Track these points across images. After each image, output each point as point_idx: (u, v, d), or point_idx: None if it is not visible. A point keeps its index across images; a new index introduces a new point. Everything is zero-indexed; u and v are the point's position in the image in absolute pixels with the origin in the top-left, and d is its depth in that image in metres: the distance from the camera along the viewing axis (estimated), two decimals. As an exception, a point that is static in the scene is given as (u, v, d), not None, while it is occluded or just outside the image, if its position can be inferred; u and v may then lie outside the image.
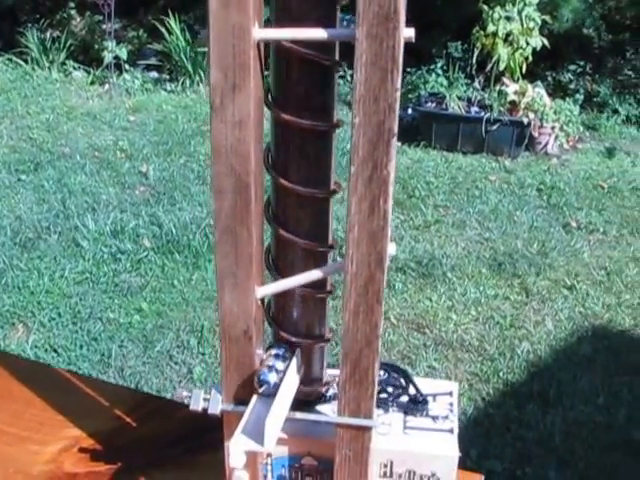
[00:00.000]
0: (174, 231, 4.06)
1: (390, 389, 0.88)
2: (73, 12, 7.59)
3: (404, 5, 0.62)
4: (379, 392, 0.85)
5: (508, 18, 5.09)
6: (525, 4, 5.10)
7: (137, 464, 0.98)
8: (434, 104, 5.55)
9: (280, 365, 0.79)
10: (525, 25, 5.12)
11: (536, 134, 5.32)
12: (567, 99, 5.82)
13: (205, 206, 4.38)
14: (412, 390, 0.89)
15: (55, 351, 3.15)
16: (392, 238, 0.70)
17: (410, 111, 5.76)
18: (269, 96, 0.71)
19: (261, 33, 0.65)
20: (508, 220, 4.37)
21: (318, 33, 0.65)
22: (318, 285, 0.79)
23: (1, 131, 5.63)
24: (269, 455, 0.84)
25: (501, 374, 3.05)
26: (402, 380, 0.90)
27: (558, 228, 4.31)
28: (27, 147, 5.34)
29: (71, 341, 3.21)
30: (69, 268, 3.73)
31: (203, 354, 3.13)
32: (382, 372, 0.89)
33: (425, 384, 0.90)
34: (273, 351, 0.80)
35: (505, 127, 5.22)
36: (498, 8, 5.09)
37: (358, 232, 0.68)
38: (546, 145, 5.40)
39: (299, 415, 0.81)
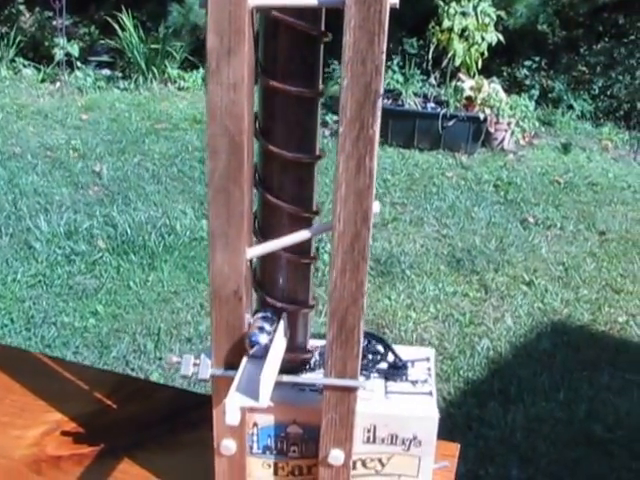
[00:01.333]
0: (129, 231, 4.00)
1: (370, 356, 0.90)
2: (22, 8, 7.46)
3: None
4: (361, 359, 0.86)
5: (464, 14, 5.10)
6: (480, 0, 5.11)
7: (120, 445, 0.98)
8: (390, 101, 5.54)
9: (268, 327, 0.79)
10: (480, 21, 5.14)
11: (492, 130, 5.33)
12: (522, 95, 5.84)
13: (160, 206, 4.32)
14: (391, 357, 0.90)
15: (18, 348, 3.07)
16: (377, 197, 0.72)
17: (366, 108, 5.73)
18: (258, 65, 0.73)
19: (255, 0, 0.68)
20: (466, 216, 4.37)
21: (309, 0, 0.68)
22: (303, 250, 0.81)
23: (-51, 130, 5.52)
24: (255, 425, 0.85)
25: (461, 372, 3.03)
26: (381, 347, 0.91)
27: (516, 224, 4.32)
28: (-24, 147, 5.24)
29: (25, 348, 3.12)
30: (21, 271, 3.64)
31: (160, 358, 3.07)
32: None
33: (403, 351, 0.92)
34: (260, 314, 0.81)
35: (461, 123, 5.23)
36: (454, 3, 5.10)
37: (345, 190, 0.71)
38: (502, 141, 5.42)
39: (286, 378, 0.82)
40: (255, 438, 0.86)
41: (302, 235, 0.77)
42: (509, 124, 5.38)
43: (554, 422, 2.77)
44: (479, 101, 5.23)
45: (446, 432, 2.53)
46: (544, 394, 2.92)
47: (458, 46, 5.13)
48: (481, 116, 5.21)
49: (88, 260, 3.75)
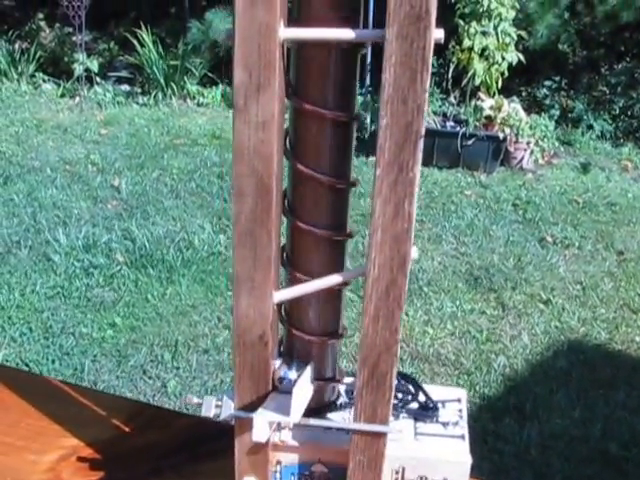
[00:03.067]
0: (147, 245, 4.01)
1: (400, 396, 0.88)
2: (42, 24, 7.52)
3: (435, 4, 0.60)
4: None
5: (484, 33, 5.10)
6: (501, 19, 5.11)
7: (138, 473, 0.97)
8: (409, 119, 5.53)
9: (294, 373, 0.79)
10: (501, 40, 5.13)
11: (512, 149, 5.32)
12: (542, 114, 5.84)
13: (179, 220, 4.33)
14: (422, 397, 0.89)
15: (27, 366, 3.09)
16: (414, 242, 0.69)
17: (385, 126, 5.73)
18: (289, 88, 0.69)
19: (287, 32, 0.63)
20: (484, 235, 4.36)
21: (346, 33, 0.63)
22: (330, 329, 0.79)
23: (-30, 144, 5.56)
24: (278, 463, 0.83)
25: (477, 388, 3.02)
26: (411, 387, 0.89)
27: (534, 243, 4.30)
28: (-4, 160, 5.28)
29: (43, 356, 3.15)
30: (40, 283, 3.67)
31: (177, 368, 3.08)
32: None
33: (433, 391, 0.90)
34: (285, 362, 0.80)
35: (481, 142, 5.22)
36: (474, 23, 5.09)
37: (381, 235, 0.67)
38: (521, 160, 5.40)
39: (313, 421, 0.81)
40: (279, 476, 0.84)
41: (334, 279, 0.74)
42: (528, 143, 5.36)
43: (569, 439, 2.76)
44: (499, 120, 5.22)
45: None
46: (560, 411, 2.90)
47: (478, 65, 5.13)
48: (500, 135, 5.20)
49: (106, 273, 3.77)
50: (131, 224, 4.28)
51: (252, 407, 0.78)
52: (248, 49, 0.63)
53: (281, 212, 0.73)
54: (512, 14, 5.16)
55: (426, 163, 5.34)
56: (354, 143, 0.74)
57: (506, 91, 5.72)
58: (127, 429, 1.04)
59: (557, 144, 5.78)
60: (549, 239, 4.36)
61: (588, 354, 3.31)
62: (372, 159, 5.40)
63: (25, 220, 4.34)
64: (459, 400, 0.90)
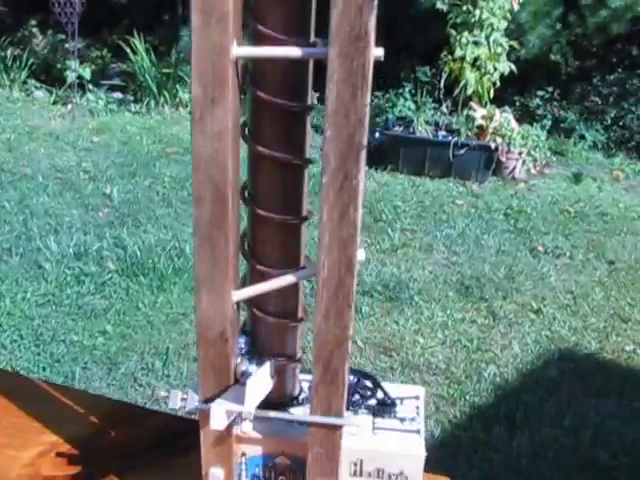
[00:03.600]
0: (139, 254, 4.00)
1: (360, 393, 0.93)
2: (35, 30, 7.51)
3: (374, 26, 0.66)
4: (349, 395, 0.90)
5: (476, 43, 5.11)
6: (493, 30, 5.12)
7: (112, 468, 1.00)
8: (402, 128, 5.55)
9: (255, 368, 0.84)
10: (493, 50, 5.15)
11: (503, 159, 5.33)
12: (534, 124, 5.85)
13: (170, 229, 4.33)
14: (380, 394, 0.93)
15: (17, 373, 3.08)
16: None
17: (378, 135, 5.75)
18: (246, 129, 0.75)
19: (239, 51, 0.69)
20: (475, 244, 4.36)
21: (292, 51, 0.69)
22: (290, 313, 0.83)
23: (-39, 151, 5.55)
24: (243, 454, 0.88)
25: (468, 397, 3.02)
26: (371, 384, 0.94)
27: (525, 252, 4.31)
28: (-13, 167, 5.27)
29: (33, 363, 3.15)
30: (31, 290, 3.66)
31: (168, 376, 3.08)
32: (352, 377, 0.94)
33: (393, 388, 0.95)
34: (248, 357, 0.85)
35: (472, 151, 5.23)
36: (466, 33, 5.11)
37: (329, 239, 0.72)
38: (513, 170, 5.42)
39: (273, 414, 0.86)
40: (244, 467, 0.89)
41: (287, 279, 0.79)
42: (520, 153, 5.38)
43: (559, 448, 2.76)
44: (490, 130, 5.23)
45: (451, 455, 2.53)
46: (550, 420, 2.91)
47: (470, 75, 5.14)
48: (492, 145, 5.22)
49: (97, 281, 3.76)
50: (122, 232, 4.28)
51: (214, 399, 0.82)
52: (203, 66, 0.68)
53: (239, 216, 0.77)
54: (504, 24, 5.17)
55: (418, 172, 5.35)
56: (309, 130, 0.78)
57: (498, 101, 5.73)
58: (104, 426, 1.07)
59: (549, 154, 5.79)
60: (540, 249, 4.36)
61: (579, 363, 3.32)
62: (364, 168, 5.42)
63: (16, 227, 4.33)
64: (417, 397, 0.95)
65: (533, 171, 5.54)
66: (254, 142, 0.75)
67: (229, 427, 0.83)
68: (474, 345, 3.37)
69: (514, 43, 5.39)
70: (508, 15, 5.19)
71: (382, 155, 5.52)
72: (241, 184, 0.78)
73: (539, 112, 6.48)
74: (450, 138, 5.28)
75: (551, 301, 3.80)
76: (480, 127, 5.27)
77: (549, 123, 6.14)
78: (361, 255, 0.74)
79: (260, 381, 0.82)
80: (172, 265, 3.89)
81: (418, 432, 0.90)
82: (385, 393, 0.93)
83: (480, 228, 4.59)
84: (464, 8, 5.17)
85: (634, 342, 3.49)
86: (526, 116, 6.40)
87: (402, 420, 0.91)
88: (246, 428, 0.82)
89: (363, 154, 0.69)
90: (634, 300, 3.86)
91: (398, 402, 0.93)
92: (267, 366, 0.84)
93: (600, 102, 6.70)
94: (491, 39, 5.14)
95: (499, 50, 5.17)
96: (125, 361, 3.16)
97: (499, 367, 3.24)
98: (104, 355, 3.20)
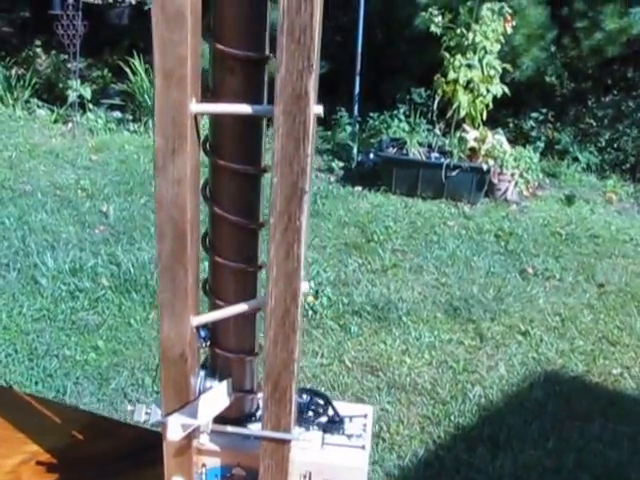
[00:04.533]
0: (132, 270, 4.05)
1: (312, 410, 1.01)
2: (39, 50, 7.60)
3: (314, 87, 0.73)
4: (302, 413, 0.99)
5: (469, 66, 5.18)
6: (486, 52, 5.19)
7: (87, 477, 1.08)
8: (395, 149, 5.60)
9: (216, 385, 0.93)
10: (486, 73, 5.21)
11: (496, 181, 5.38)
12: (527, 146, 5.89)
13: (164, 246, 4.37)
14: (331, 412, 1.01)
15: (10, 387, 3.12)
16: (306, 278, 0.83)
17: (372, 156, 5.81)
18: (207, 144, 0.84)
19: (197, 107, 0.77)
20: (465, 265, 4.41)
21: (243, 108, 0.77)
22: (247, 346, 0.92)
23: (-37, 167, 5.62)
24: (204, 465, 0.96)
25: (452, 417, 3.06)
26: (323, 403, 1.02)
27: (514, 274, 4.35)
28: (-12, 184, 5.34)
29: (27, 377, 3.20)
30: (27, 305, 3.72)
31: (157, 392, 3.10)
32: (305, 396, 1.02)
33: (343, 407, 1.02)
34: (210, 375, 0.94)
35: (465, 173, 5.28)
36: (459, 56, 5.17)
37: (276, 272, 0.80)
38: (506, 192, 5.46)
39: (230, 429, 0.94)
40: (204, 477, 0.97)
41: (240, 307, 0.87)
42: (513, 175, 5.42)
43: (542, 470, 2.80)
44: (483, 152, 5.28)
45: (435, 475, 2.57)
46: (533, 442, 2.94)
47: (463, 98, 5.20)
48: (484, 167, 5.26)
49: (91, 297, 3.81)
50: (117, 249, 4.33)
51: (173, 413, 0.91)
52: (165, 121, 0.76)
53: (198, 250, 0.86)
54: (497, 47, 5.24)
55: (411, 193, 5.40)
56: (262, 192, 0.86)
57: (493, 122, 5.79)
58: (81, 438, 1.16)
59: (542, 176, 5.83)
60: (530, 270, 4.40)
61: (564, 386, 3.35)
62: (357, 188, 5.48)
63: (15, 243, 4.39)
64: (365, 416, 1.02)
65: (526, 193, 5.58)
66: (213, 203, 0.84)
67: (189, 439, 0.91)
68: (460, 366, 3.41)
69: (507, 66, 5.45)
70: (501, 38, 5.25)
71: (375, 176, 5.58)
72: (199, 224, 0.86)
73: (533, 134, 6.53)
74: (443, 160, 5.33)
75: (539, 323, 3.84)
76: (472, 149, 5.31)
77: (542, 145, 6.17)
78: (305, 287, 0.82)
79: (215, 397, 0.89)
80: (165, 283, 3.93)
81: (363, 447, 0.97)
82: (335, 411, 1.00)
83: (470, 249, 4.64)
84: (458, 31, 5.24)
85: (621, 365, 3.52)
86: (520, 138, 6.46)
87: (349, 437, 0.98)
88: (203, 440, 0.91)
89: (306, 198, 0.76)
90: (623, 323, 3.90)
91: (347, 420, 1.00)
92: (224, 384, 0.92)
93: (595, 124, 6.76)
94: (484, 62, 5.20)
95: (492, 73, 5.23)
96: (116, 377, 3.21)
97: (485, 388, 3.28)
98: (95, 370, 3.25)
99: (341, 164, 5.85)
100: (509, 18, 5.27)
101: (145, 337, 3.50)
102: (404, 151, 5.52)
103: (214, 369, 0.95)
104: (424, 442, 2.91)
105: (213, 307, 0.90)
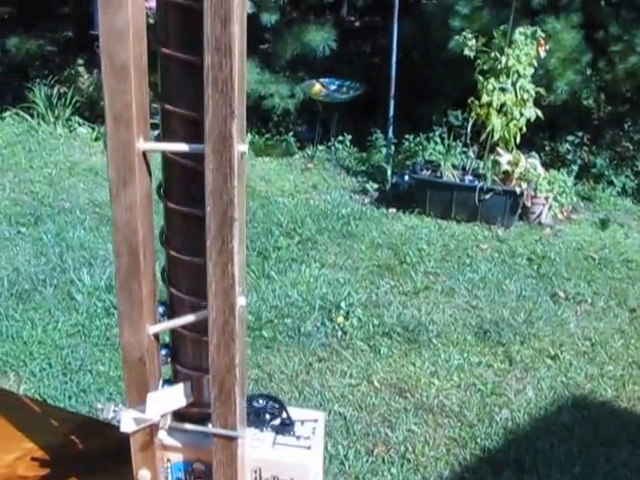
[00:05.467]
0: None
1: (268, 413, 1.11)
2: (81, 69, 7.73)
3: (237, 129, 0.85)
4: (259, 416, 1.10)
5: (502, 89, 5.20)
6: (519, 76, 5.21)
7: (75, 471, 1.18)
8: (429, 172, 5.64)
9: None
10: (519, 96, 5.23)
11: (529, 204, 5.39)
12: (562, 170, 5.89)
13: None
14: (285, 415, 1.12)
15: (44, 401, 3.19)
16: (244, 292, 0.94)
17: (406, 178, 5.85)
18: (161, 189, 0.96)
19: (144, 145, 0.89)
20: (497, 289, 4.42)
21: (182, 147, 0.90)
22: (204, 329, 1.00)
23: (4, 184, 5.74)
24: (169, 460, 1.06)
25: (479, 440, 3.08)
26: (277, 407, 1.13)
27: (546, 298, 4.35)
28: (29, 200, 5.45)
29: (60, 391, 3.27)
30: (62, 320, 3.80)
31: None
32: (262, 401, 1.13)
33: (297, 413, 1.13)
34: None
35: (498, 196, 5.29)
36: (492, 79, 5.20)
37: (215, 288, 0.91)
38: (540, 215, 5.46)
39: (187, 426, 1.04)
40: (169, 471, 1.08)
41: (189, 318, 0.99)
42: (547, 199, 5.43)
43: (567, 495, 2.80)
44: (516, 175, 5.29)
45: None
46: (560, 467, 2.95)
47: (496, 121, 5.22)
48: (518, 190, 5.27)
49: (126, 314, 3.87)
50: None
51: None
52: (116, 156, 0.89)
53: (153, 265, 0.97)
54: (530, 71, 5.26)
55: (444, 216, 5.42)
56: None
57: (529, 145, 5.81)
58: (74, 437, 1.26)
59: (576, 199, 5.83)
60: (561, 294, 4.41)
61: (593, 411, 3.35)
62: (392, 210, 5.51)
63: (52, 259, 4.48)
64: (316, 420, 1.13)
65: (560, 216, 5.58)
66: (166, 200, 0.95)
67: (150, 435, 1.02)
68: (489, 389, 3.43)
69: (541, 89, 5.47)
70: (534, 62, 5.27)
71: (410, 198, 5.62)
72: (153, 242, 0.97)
73: (569, 157, 6.51)
74: (476, 183, 5.35)
75: (569, 347, 3.84)
76: (506, 172, 5.33)
77: (577, 168, 6.17)
78: (242, 301, 0.94)
79: (166, 396, 1.01)
80: (199, 302, 3.99)
81: (309, 448, 1.07)
82: (288, 415, 1.11)
83: (503, 273, 4.65)
84: (491, 55, 5.27)
85: (651, 391, 3.52)
86: (556, 161, 6.45)
87: (298, 438, 1.09)
88: (161, 436, 1.03)
89: (236, 225, 0.88)
90: (654, 348, 3.89)
91: (298, 423, 1.11)
92: (180, 385, 1.03)
93: (631, 147, 6.73)
94: (517, 85, 5.23)
95: (525, 96, 5.26)
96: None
97: (512, 411, 3.29)
98: (128, 387, 3.30)
99: (375, 186, 5.89)
100: (542, 42, 5.30)
101: (178, 355, 3.55)
102: (438, 173, 5.55)
103: (174, 358, 1.05)
104: (449, 464, 2.93)
105: (171, 300, 1.01)
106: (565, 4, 6.13)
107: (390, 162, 6.05)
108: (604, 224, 5.64)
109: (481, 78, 5.29)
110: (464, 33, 5.43)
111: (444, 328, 3.93)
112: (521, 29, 5.26)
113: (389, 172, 5.94)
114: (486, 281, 4.52)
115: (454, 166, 5.56)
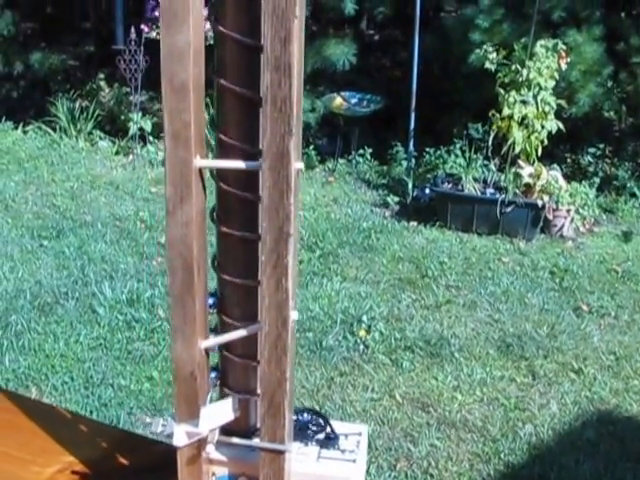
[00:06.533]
0: (188, 302, 4.11)
1: (312, 428, 1.12)
2: (102, 83, 7.78)
3: (294, 147, 0.87)
4: (303, 430, 1.11)
5: (524, 102, 5.19)
6: (540, 88, 5.20)
7: None
8: (450, 185, 5.62)
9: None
10: (540, 109, 5.21)
11: (551, 217, 5.36)
12: (583, 182, 5.86)
13: (220, 278, 4.43)
14: (329, 430, 1.12)
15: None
16: (296, 307, 0.96)
17: (427, 191, 5.83)
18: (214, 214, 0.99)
19: (201, 162, 0.92)
20: (519, 302, 4.40)
21: (238, 164, 0.93)
22: (252, 354, 1.03)
23: (26, 197, 5.77)
24: (214, 474, 1.08)
25: (502, 455, 3.06)
26: (321, 421, 1.13)
27: (569, 311, 4.32)
28: (51, 214, 5.47)
29: (82, 405, 3.27)
30: (84, 334, 3.81)
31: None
32: (306, 415, 1.14)
33: (341, 426, 1.14)
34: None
35: (520, 209, 5.27)
36: (514, 92, 5.19)
37: (268, 302, 0.93)
38: (562, 228, 5.43)
39: (234, 440, 1.07)
40: None
41: (240, 333, 1.01)
42: (569, 211, 5.40)
43: (593, 511, 2.77)
44: (538, 188, 5.27)
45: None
46: (585, 483, 2.92)
47: (518, 134, 5.21)
48: (539, 203, 5.24)
49: (147, 327, 3.89)
50: (174, 281, 4.39)
51: None
52: (173, 174, 0.92)
53: (205, 281, 0.99)
54: (551, 83, 5.25)
55: (466, 229, 5.40)
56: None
57: (549, 158, 5.78)
58: (114, 451, 1.28)
59: (599, 212, 5.79)
60: (585, 308, 4.37)
61: (618, 426, 3.32)
62: (413, 223, 5.50)
63: (74, 272, 4.50)
64: (360, 434, 1.14)
65: (582, 229, 5.55)
66: (220, 224, 0.97)
67: (198, 449, 1.03)
68: (512, 403, 3.41)
69: (562, 102, 5.45)
70: (556, 75, 5.26)
71: (431, 211, 5.61)
72: (209, 257, 1.00)
73: (590, 169, 6.49)
74: (498, 196, 5.32)
75: (593, 361, 3.81)
76: (527, 185, 5.31)
77: (598, 181, 6.13)
78: (294, 315, 0.95)
79: (217, 411, 1.02)
80: (220, 315, 3.99)
81: (354, 461, 1.08)
82: (332, 429, 1.12)
83: (525, 286, 4.62)
84: (512, 68, 5.27)
85: (677, 405, 3.48)
86: (578, 173, 6.42)
87: (343, 451, 1.10)
88: (209, 450, 1.04)
89: (291, 240, 0.89)
90: (679, 362, 3.85)
91: (342, 437, 1.12)
92: (229, 400, 1.04)
93: (654, 159, 6.69)
94: (539, 98, 5.21)
95: (547, 109, 5.24)
96: (169, 408, 3.25)
97: (536, 426, 3.26)
98: (149, 401, 3.31)
99: (396, 199, 5.88)
100: (564, 55, 5.29)
101: (199, 369, 3.55)
102: (459, 186, 5.53)
103: (222, 374, 1.07)
104: (473, 479, 2.91)
105: (221, 323, 1.03)
106: (585, 16, 6.12)
107: (411, 175, 6.04)
108: (627, 236, 5.60)
109: (502, 91, 5.28)
110: (485, 46, 5.43)
111: (466, 342, 3.90)
112: (542, 42, 5.25)
113: (410, 185, 5.93)
114: (508, 294, 4.49)
115: (475, 179, 5.55)
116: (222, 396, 1.08)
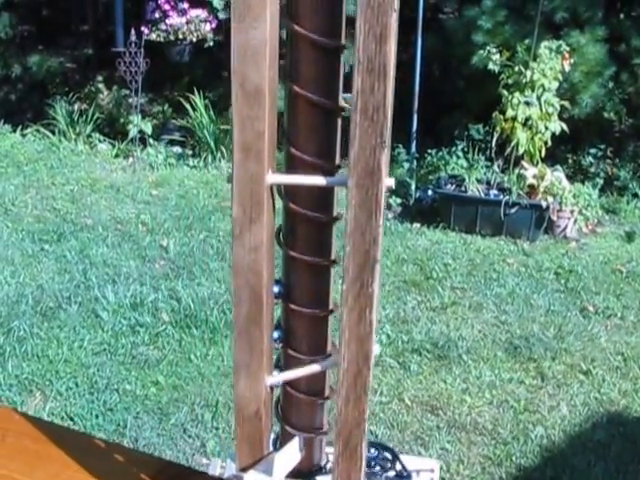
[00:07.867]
0: (192, 306, 4.09)
1: (380, 464, 1.05)
2: (101, 86, 7.75)
3: (385, 162, 0.77)
4: (371, 467, 1.04)
5: (527, 103, 5.17)
6: (544, 90, 5.18)
7: None
8: (453, 186, 5.60)
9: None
10: (544, 110, 5.20)
11: (555, 218, 5.34)
12: (586, 183, 5.85)
13: (224, 282, 4.42)
14: (399, 466, 1.05)
15: (71, 419, 3.19)
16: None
17: (430, 193, 5.81)
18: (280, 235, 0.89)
19: (273, 178, 0.81)
20: (525, 303, 4.37)
21: (318, 180, 0.82)
22: (318, 391, 0.96)
23: (26, 201, 5.73)
24: None
25: (514, 458, 3.03)
26: (390, 457, 1.06)
27: (575, 312, 4.30)
28: (51, 217, 5.44)
29: (87, 410, 3.25)
30: (88, 339, 3.78)
31: (217, 428, 3.15)
32: (374, 450, 1.06)
33: (410, 461, 1.07)
34: None
35: (524, 210, 5.25)
36: (517, 93, 5.18)
37: (349, 336, 0.83)
38: (565, 229, 5.42)
39: None
40: None
41: (313, 368, 0.93)
42: (572, 212, 5.38)
43: (606, 514, 2.75)
44: (542, 189, 5.25)
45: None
46: (597, 485, 2.90)
47: (521, 135, 5.19)
48: (543, 204, 5.23)
49: (152, 332, 3.86)
50: (177, 284, 4.38)
51: (248, 469, 0.94)
52: (242, 191, 0.80)
53: (272, 313, 0.90)
54: (555, 85, 5.23)
55: (469, 230, 5.38)
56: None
57: (551, 159, 5.75)
58: None
59: (601, 213, 5.77)
60: (591, 309, 4.35)
61: (628, 427, 3.30)
62: (416, 225, 5.47)
63: (76, 277, 4.46)
64: (432, 470, 1.07)
65: (585, 230, 5.54)
66: (287, 247, 0.88)
67: None
68: (521, 406, 3.39)
69: (565, 103, 5.44)
70: (559, 76, 5.25)
71: (434, 213, 5.59)
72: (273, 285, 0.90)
73: (592, 170, 6.47)
74: (501, 197, 5.31)
75: (601, 362, 3.79)
76: (531, 186, 5.29)
77: (601, 182, 6.12)
78: (376, 350, 0.86)
79: (288, 454, 0.94)
80: (224, 318, 3.97)
81: None
82: (402, 465, 1.04)
83: (530, 287, 4.60)
84: (515, 69, 5.25)
85: (686, 406, 3.47)
86: (579, 174, 6.40)
87: None
88: None
89: (377, 267, 0.79)
90: (687, 363, 3.83)
91: (414, 474, 1.05)
92: (295, 440, 0.96)
93: (655, 159, 6.67)
94: (543, 99, 5.20)
95: (550, 110, 5.22)
96: (176, 412, 3.24)
97: (546, 429, 3.24)
98: (155, 405, 3.29)
99: (399, 201, 5.85)
100: (567, 56, 5.27)
101: (205, 373, 3.53)
102: (462, 188, 5.51)
103: (285, 411, 0.99)
104: (485, 483, 2.89)
105: (286, 357, 0.95)
106: (587, 18, 6.10)
107: (413, 177, 6.01)
108: (630, 237, 5.58)
109: (505, 92, 5.26)
110: (488, 47, 5.41)
111: (474, 344, 3.88)
112: (546, 43, 5.24)
113: (412, 187, 5.91)
114: (514, 296, 4.47)
115: (478, 180, 5.52)
116: (283, 434, 1.00)
